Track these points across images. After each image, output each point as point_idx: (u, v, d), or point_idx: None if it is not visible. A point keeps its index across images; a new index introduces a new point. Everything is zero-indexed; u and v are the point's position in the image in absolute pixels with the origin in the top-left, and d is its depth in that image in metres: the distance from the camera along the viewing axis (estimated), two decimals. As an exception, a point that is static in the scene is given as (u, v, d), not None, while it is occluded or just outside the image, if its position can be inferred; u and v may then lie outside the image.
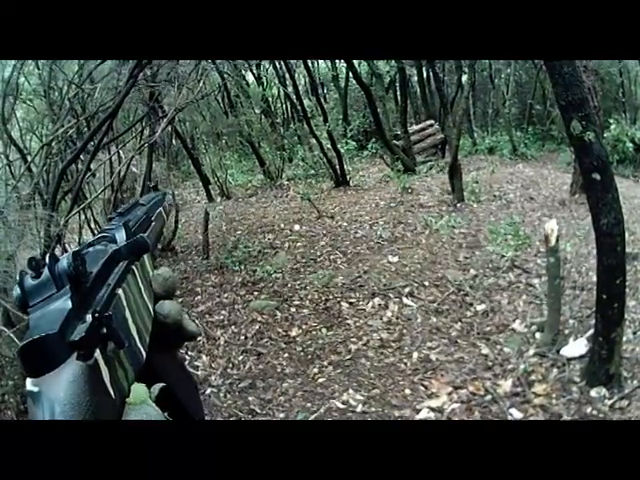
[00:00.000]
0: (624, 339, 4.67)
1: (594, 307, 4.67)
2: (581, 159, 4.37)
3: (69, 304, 0.60)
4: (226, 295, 7.34)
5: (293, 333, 6.29)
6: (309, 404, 5.08)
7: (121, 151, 9.36)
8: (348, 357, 5.69)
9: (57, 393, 0.53)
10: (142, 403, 0.65)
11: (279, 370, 5.70)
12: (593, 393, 4.47)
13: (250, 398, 5.29)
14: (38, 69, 7.57)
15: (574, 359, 4.90)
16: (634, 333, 5.13)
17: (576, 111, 4.10)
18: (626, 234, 4.41)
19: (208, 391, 5.39)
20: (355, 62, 14.53)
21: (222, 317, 6.82)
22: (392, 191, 11.15)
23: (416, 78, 17.78)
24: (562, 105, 4.20)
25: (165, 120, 7.67)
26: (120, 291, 0.73)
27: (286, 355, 5.93)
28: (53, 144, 6.57)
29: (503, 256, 6.71)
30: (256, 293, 7.23)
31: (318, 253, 8.07)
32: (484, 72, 19.80)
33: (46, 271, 0.63)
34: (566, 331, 5.31)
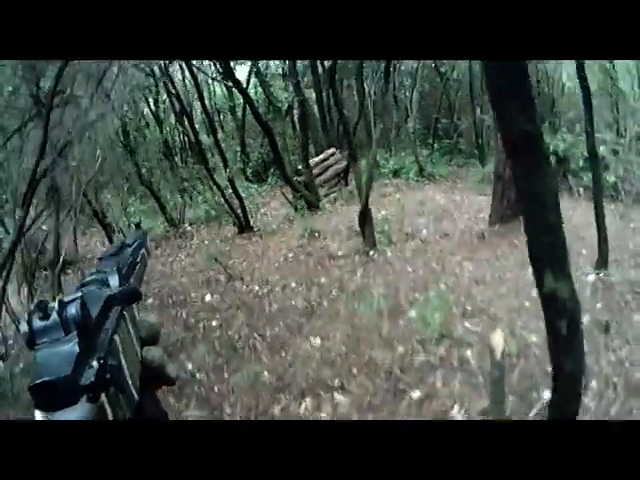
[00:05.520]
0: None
1: (536, 377, 4.64)
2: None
3: (77, 348, 0.70)
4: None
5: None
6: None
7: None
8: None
9: None
10: None
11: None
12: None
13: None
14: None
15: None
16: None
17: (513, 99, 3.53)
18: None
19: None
20: (252, 93, 14.22)
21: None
22: (298, 235, 10.71)
23: (316, 107, 17.27)
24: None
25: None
26: (116, 337, 0.82)
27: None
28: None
29: (429, 324, 6.12)
30: (185, 401, 5.97)
31: (236, 337, 7.22)
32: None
33: (54, 315, 0.72)
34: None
